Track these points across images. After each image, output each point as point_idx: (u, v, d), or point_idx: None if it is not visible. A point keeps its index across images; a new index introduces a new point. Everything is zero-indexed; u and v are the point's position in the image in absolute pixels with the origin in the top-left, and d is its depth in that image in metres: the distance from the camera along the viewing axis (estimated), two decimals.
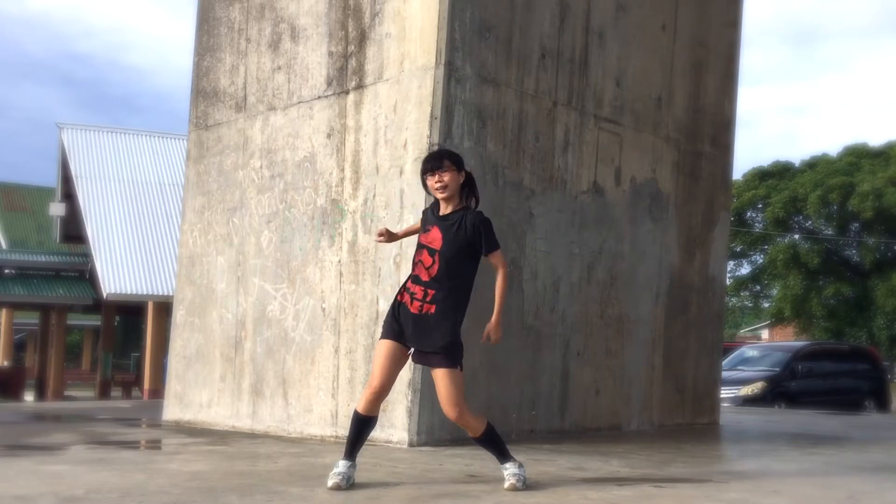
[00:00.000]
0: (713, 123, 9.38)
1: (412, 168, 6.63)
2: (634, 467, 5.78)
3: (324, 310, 7.23)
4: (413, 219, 6.38)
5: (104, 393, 27.48)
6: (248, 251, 8.00)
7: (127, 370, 34.09)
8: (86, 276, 27.23)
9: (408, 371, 6.16)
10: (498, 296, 4.63)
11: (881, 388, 18.19)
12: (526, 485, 4.64)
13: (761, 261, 40.17)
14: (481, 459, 5.43)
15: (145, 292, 24.27)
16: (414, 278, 4.61)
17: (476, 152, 6.88)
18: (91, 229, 25.10)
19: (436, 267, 4.55)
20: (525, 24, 7.32)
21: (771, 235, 38.63)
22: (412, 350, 4.61)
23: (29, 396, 27.40)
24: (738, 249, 39.36)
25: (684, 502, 4.59)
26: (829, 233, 38.10)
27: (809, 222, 38.86)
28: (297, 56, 7.73)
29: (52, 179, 29.96)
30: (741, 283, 41.10)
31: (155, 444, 7.19)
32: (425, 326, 4.53)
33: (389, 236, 4.88)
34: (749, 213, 40.02)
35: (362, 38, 7.23)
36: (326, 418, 7.06)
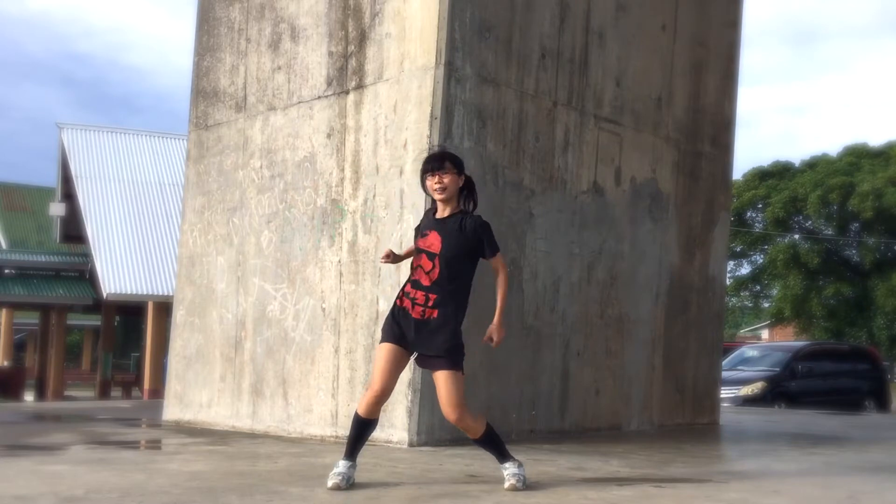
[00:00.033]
0: (713, 123, 9.38)
1: (412, 168, 6.63)
2: (634, 467, 5.78)
3: (324, 310, 7.23)
4: (413, 219, 6.38)
5: (104, 393, 27.48)
6: (248, 251, 8.00)
7: (127, 370, 34.09)
8: (86, 276, 27.23)
9: (408, 371, 6.16)
10: (499, 297, 4.64)
11: (881, 388, 18.19)
12: (526, 485, 4.65)
13: (761, 261, 40.17)
14: (481, 459, 5.43)
15: (145, 292, 24.28)
16: (414, 283, 4.60)
17: (476, 152, 6.88)
18: (91, 229, 25.11)
19: (436, 271, 4.55)
20: (525, 24, 7.32)
21: (771, 235, 38.64)
22: (416, 354, 4.61)
23: (29, 396, 27.41)
24: (738, 249, 39.36)
25: (684, 502, 4.59)
26: (829, 233, 38.10)
27: (809, 222, 38.87)
28: (297, 56, 7.73)
29: (52, 179, 29.99)
30: (741, 283, 41.10)
31: (155, 444, 7.19)
32: (428, 330, 4.54)
33: (394, 258, 4.82)
34: (749, 213, 40.03)
35: (362, 38, 7.23)
36: (326, 418, 7.06)
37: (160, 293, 23.79)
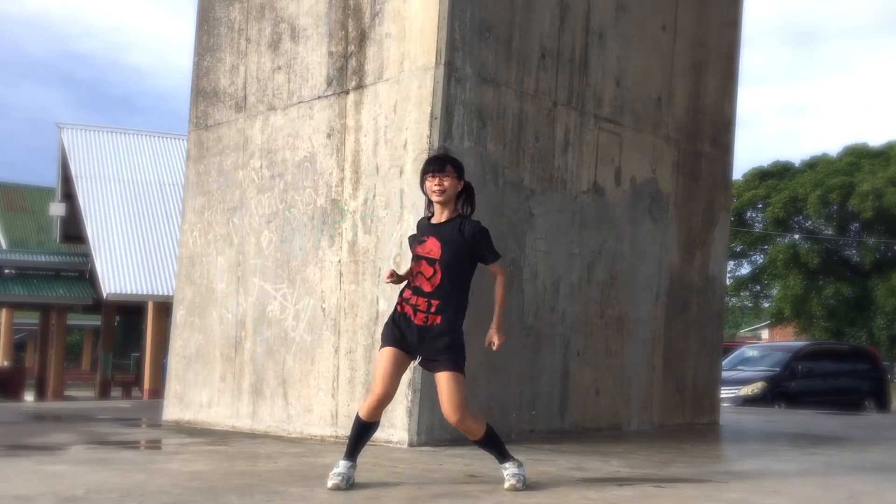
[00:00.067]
0: (713, 123, 9.38)
1: (412, 168, 6.63)
2: (634, 467, 5.78)
3: (324, 310, 7.23)
4: (413, 219, 6.38)
5: (104, 393, 27.49)
6: (248, 251, 8.00)
7: (127, 370, 34.10)
8: (86, 276, 27.24)
9: (408, 371, 6.14)
10: (498, 302, 4.65)
11: (881, 388, 18.19)
12: (526, 485, 4.65)
13: (761, 261, 40.18)
14: (481, 459, 5.43)
15: (145, 292, 24.28)
16: (415, 289, 4.59)
17: (476, 152, 6.88)
18: (91, 229, 25.11)
19: (438, 276, 4.55)
20: (525, 24, 7.32)
21: (771, 235, 38.64)
22: (419, 358, 4.61)
23: (29, 396, 27.41)
24: (738, 249, 39.37)
25: (684, 502, 4.59)
26: (829, 233, 38.11)
27: (809, 222, 38.88)
28: (297, 56, 7.73)
29: (52, 179, 30.00)
30: (741, 283, 41.11)
31: (155, 444, 7.19)
32: (431, 336, 4.54)
33: (398, 278, 4.74)
34: (749, 213, 40.04)
35: (362, 38, 7.23)
36: (326, 418, 7.06)
37: (160, 293, 23.80)
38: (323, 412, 7.10)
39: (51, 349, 28.89)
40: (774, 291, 40.67)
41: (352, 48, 7.30)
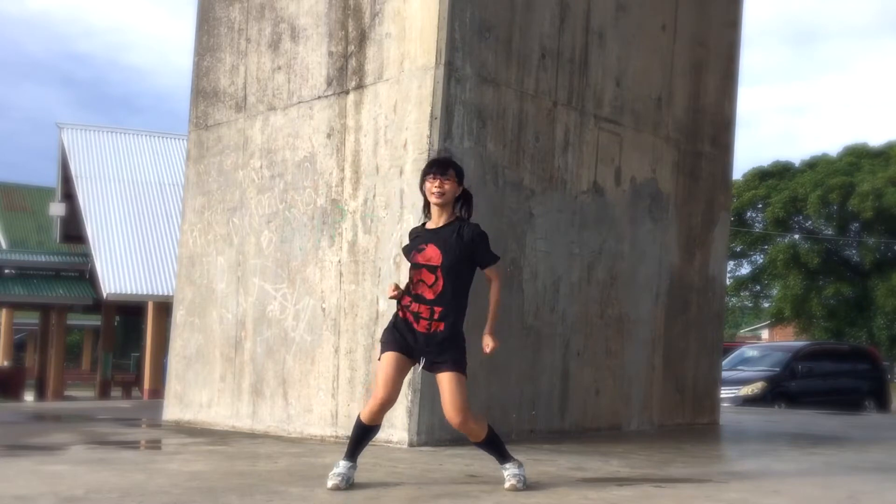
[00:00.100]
0: (713, 123, 9.38)
1: (412, 168, 6.63)
2: (634, 467, 5.78)
3: (324, 310, 7.23)
4: (413, 219, 6.38)
5: (104, 393, 27.48)
6: (248, 251, 8.00)
7: (127, 370, 34.08)
8: (86, 276, 27.23)
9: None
10: (492, 307, 4.64)
11: (881, 388, 18.18)
12: (526, 485, 4.65)
13: (761, 261, 40.17)
14: (481, 459, 5.43)
15: (145, 292, 24.28)
16: (416, 297, 4.58)
17: (476, 152, 6.88)
18: (91, 229, 25.10)
19: (440, 283, 4.55)
20: (525, 24, 7.32)
21: (771, 235, 38.64)
22: (423, 361, 4.60)
23: (29, 396, 27.40)
24: (738, 249, 39.35)
25: (684, 502, 4.59)
26: (829, 233, 38.10)
27: (809, 222, 38.87)
28: (297, 56, 7.73)
29: (52, 179, 29.98)
30: (741, 283, 41.10)
31: (155, 444, 7.19)
32: (436, 342, 4.55)
33: (401, 292, 4.68)
34: (749, 213, 40.03)
35: (362, 38, 7.23)
36: (326, 418, 7.06)
37: (160, 293, 23.79)
38: (323, 412, 7.10)
39: (51, 349, 28.88)
40: (774, 291, 40.66)
41: (352, 48, 7.30)
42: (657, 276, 8.66)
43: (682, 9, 8.88)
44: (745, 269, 41.45)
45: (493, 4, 7.05)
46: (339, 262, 7.17)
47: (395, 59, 6.97)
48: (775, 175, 38.71)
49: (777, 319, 40.33)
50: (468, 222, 4.70)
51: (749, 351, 19.32)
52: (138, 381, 27.53)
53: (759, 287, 42.12)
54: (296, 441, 6.93)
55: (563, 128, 7.66)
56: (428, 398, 6.39)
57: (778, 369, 16.97)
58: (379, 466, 5.34)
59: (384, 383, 4.55)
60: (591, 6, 7.89)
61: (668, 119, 8.77)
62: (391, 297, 4.67)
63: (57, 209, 28.28)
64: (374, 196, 6.97)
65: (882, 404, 17.80)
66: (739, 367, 17.42)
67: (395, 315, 4.69)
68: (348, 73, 7.30)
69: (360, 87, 7.20)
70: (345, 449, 4.75)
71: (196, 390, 8.34)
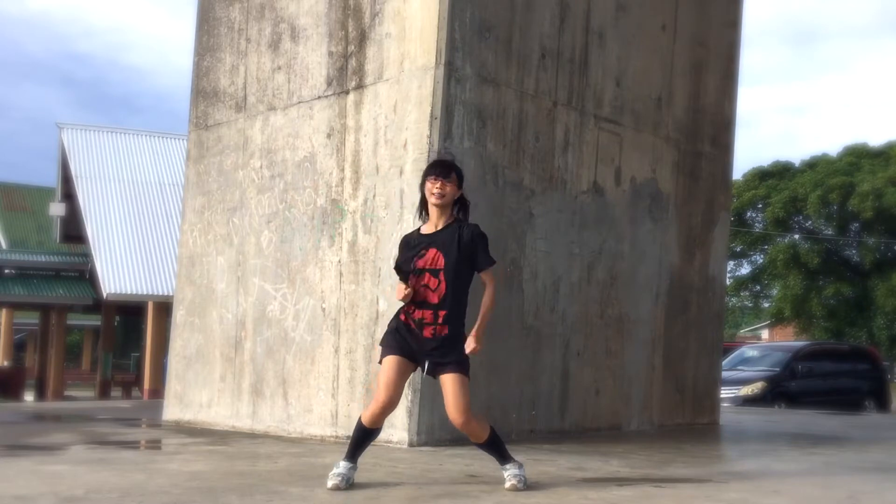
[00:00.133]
0: (713, 123, 9.38)
1: (412, 168, 6.63)
2: (634, 467, 5.78)
3: (324, 310, 7.23)
4: (413, 219, 6.38)
5: (104, 393, 27.48)
6: (248, 251, 8.00)
7: (127, 370, 34.09)
8: (86, 276, 27.23)
9: None
10: (484, 310, 4.61)
11: (881, 388, 18.18)
12: (526, 485, 4.65)
13: (761, 261, 40.17)
14: (481, 459, 5.43)
15: (145, 292, 24.28)
16: (420, 303, 4.57)
17: (476, 152, 6.88)
18: (91, 229, 25.11)
19: (443, 286, 4.55)
20: (525, 24, 7.32)
21: (771, 235, 38.64)
22: (427, 365, 4.60)
23: (29, 396, 27.40)
24: (738, 249, 39.35)
25: (684, 502, 4.59)
26: (829, 233, 38.10)
27: (809, 222, 38.87)
28: (297, 56, 7.73)
29: (52, 179, 29.99)
30: (741, 283, 41.10)
31: (155, 444, 7.19)
32: (440, 346, 4.55)
33: (412, 291, 4.59)
34: (749, 213, 40.03)
35: (362, 38, 7.23)
36: (326, 418, 7.06)
37: (160, 293, 23.79)
38: (323, 412, 7.10)
39: (51, 349, 28.89)
40: (774, 291, 40.67)
41: (352, 48, 7.30)
42: (657, 276, 8.66)
43: (682, 9, 8.88)
44: (745, 269, 41.48)
45: (493, 4, 7.05)
46: (339, 262, 7.17)
47: (395, 59, 6.97)
48: (775, 175, 38.72)
49: (777, 319, 40.34)
50: (467, 223, 4.70)
51: (749, 351, 19.31)
52: (138, 381, 27.53)
53: (759, 287, 42.12)
54: (296, 441, 6.93)
55: (563, 128, 7.66)
56: (428, 398, 6.40)
57: (778, 369, 16.97)
58: (379, 466, 5.34)
59: (386, 386, 4.55)
60: (591, 6, 7.89)
61: (668, 119, 8.77)
62: (402, 298, 4.59)
63: (57, 209, 28.29)
64: (374, 196, 6.97)
65: (882, 404, 17.80)
66: (739, 367, 17.42)
67: (397, 318, 4.68)
68: (348, 73, 7.30)
69: (360, 87, 7.20)
70: (345, 449, 4.76)
71: (196, 390, 8.34)
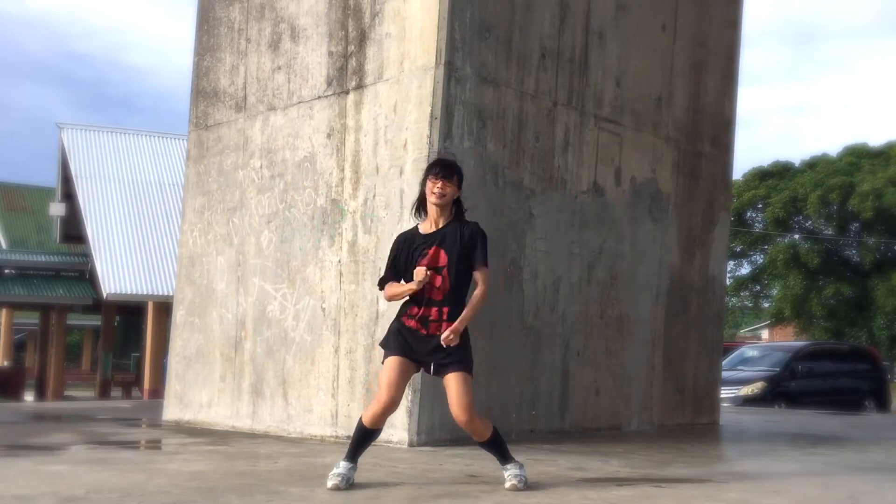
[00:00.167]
0: (713, 123, 9.38)
1: (412, 168, 6.64)
2: (634, 467, 5.78)
3: (324, 310, 7.23)
4: (412, 219, 6.37)
5: (104, 393, 27.47)
6: (248, 251, 8.00)
7: (127, 370, 34.08)
8: (86, 276, 27.23)
9: None
10: (470, 307, 4.60)
11: (881, 388, 18.18)
12: (526, 485, 4.65)
13: (761, 261, 40.16)
14: (481, 459, 5.43)
15: (145, 292, 24.27)
16: (427, 301, 4.58)
17: (476, 152, 6.88)
18: (91, 229, 25.10)
19: (447, 283, 4.58)
20: (525, 24, 7.32)
21: (771, 235, 38.64)
22: (432, 366, 4.61)
23: (29, 396, 27.40)
24: (738, 249, 39.35)
25: (684, 502, 4.59)
26: (829, 233, 38.10)
27: (809, 222, 38.86)
28: (297, 56, 7.73)
29: (52, 179, 29.98)
30: (741, 283, 41.09)
31: (155, 444, 7.19)
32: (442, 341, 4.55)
33: (431, 274, 4.59)
34: (749, 213, 40.02)
35: (362, 38, 7.23)
36: (326, 418, 7.06)
37: (160, 293, 23.79)
38: (323, 412, 7.10)
39: (51, 349, 28.88)
40: (774, 291, 40.66)
41: (352, 48, 7.30)
42: (657, 276, 8.66)
43: (682, 9, 8.88)
44: (745, 269, 41.47)
45: (493, 4, 7.05)
46: (339, 262, 7.17)
47: (395, 59, 6.97)
48: (775, 175, 38.71)
49: (777, 319, 40.33)
50: (468, 221, 4.73)
51: (749, 351, 19.31)
52: (138, 381, 27.53)
53: (759, 287, 42.11)
54: (296, 441, 6.93)
55: (563, 128, 7.66)
56: (428, 398, 6.40)
57: (778, 369, 16.96)
58: (379, 466, 5.34)
59: (387, 387, 4.56)
60: (591, 6, 7.89)
61: (668, 119, 8.77)
62: (422, 280, 4.54)
63: (57, 209, 28.28)
64: (374, 196, 6.97)
65: (882, 404, 17.79)
66: (739, 367, 17.41)
67: (399, 320, 4.69)
68: (348, 73, 7.30)
69: (360, 87, 7.20)
70: (345, 449, 4.76)
71: (196, 390, 8.34)
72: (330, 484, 4.54)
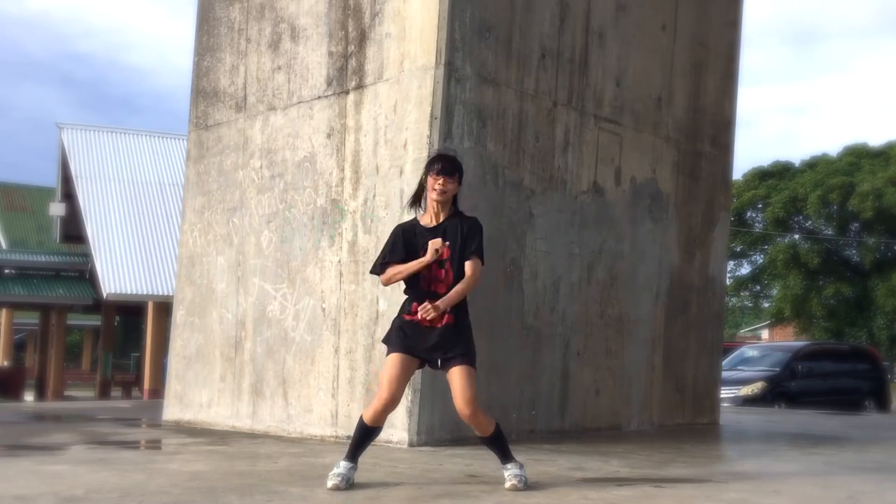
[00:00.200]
0: (713, 123, 9.38)
1: (412, 168, 6.64)
2: (634, 467, 5.78)
3: (324, 310, 7.23)
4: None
5: (104, 393, 27.47)
6: (248, 251, 8.00)
7: (127, 370, 34.08)
8: (86, 276, 27.23)
9: None
10: (456, 290, 4.57)
11: (881, 388, 18.17)
12: (526, 485, 4.65)
13: (761, 261, 40.16)
14: (481, 459, 5.43)
15: (145, 292, 24.27)
16: (432, 295, 4.59)
17: (476, 152, 6.88)
18: (91, 229, 25.10)
19: (451, 275, 4.61)
20: (525, 24, 7.32)
21: (771, 235, 38.63)
22: (438, 361, 4.61)
23: (29, 396, 27.40)
24: (738, 249, 39.34)
25: (684, 502, 4.59)
26: (829, 233, 38.10)
27: (809, 222, 38.86)
28: (297, 56, 7.73)
29: (52, 179, 29.97)
30: (741, 283, 41.09)
31: (155, 444, 7.19)
32: (447, 336, 4.58)
33: (443, 248, 4.62)
34: (749, 213, 40.02)
35: (362, 38, 7.23)
36: (326, 418, 7.06)
37: (160, 293, 23.78)
38: (323, 412, 7.10)
39: (51, 349, 28.88)
40: (774, 291, 40.65)
41: (352, 48, 7.30)
42: (657, 276, 8.66)
43: (682, 9, 8.88)
44: (745, 269, 41.47)
45: (493, 4, 7.05)
46: (339, 262, 7.17)
47: (395, 59, 6.97)
48: (775, 175, 38.71)
49: (777, 319, 40.33)
50: (467, 216, 4.77)
51: (749, 351, 19.31)
52: (138, 381, 27.53)
53: (759, 287, 42.11)
54: (296, 441, 6.93)
55: (563, 128, 7.66)
56: (428, 398, 6.40)
57: (778, 369, 16.96)
58: (379, 466, 5.34)
59: (389, 383, 4.57)
60: (591, 6, 7.89)
61: (668, 119, 8.77)
62: (438, 249, 4.55)
63: (57, 209, 28.28)
64: (374, 196, 6.98)
65: (882, 404, 17.79)
66: (739, 367, 17.41)
67: (400, 317, 4.70)
68: (348, 73, 7.30)
69: (360, 87, 7.20)
70: (345, 449, 4.76)
71: (196, 390, 8.34)
72: (330, 484, 4.54)
